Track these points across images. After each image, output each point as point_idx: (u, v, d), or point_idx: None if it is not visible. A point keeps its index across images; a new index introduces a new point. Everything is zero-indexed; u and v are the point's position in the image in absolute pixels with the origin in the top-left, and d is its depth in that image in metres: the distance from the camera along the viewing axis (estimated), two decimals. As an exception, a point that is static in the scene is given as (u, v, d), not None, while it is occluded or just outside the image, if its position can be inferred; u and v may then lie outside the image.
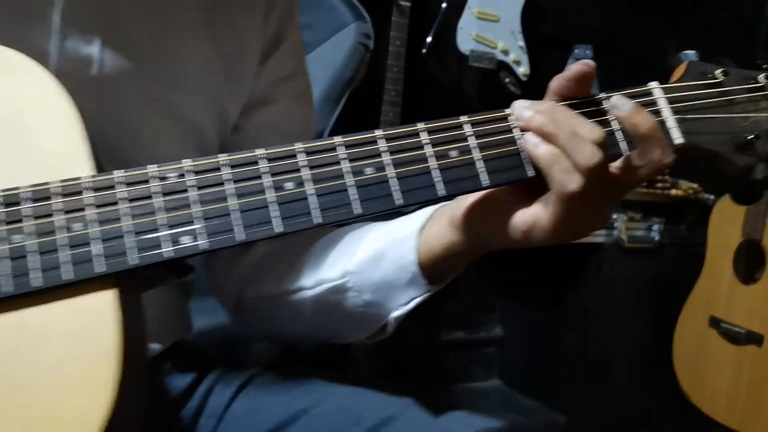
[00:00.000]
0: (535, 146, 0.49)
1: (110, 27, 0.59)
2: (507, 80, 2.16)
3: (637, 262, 2.01)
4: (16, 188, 0.44)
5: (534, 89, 2.15)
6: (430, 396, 0.66)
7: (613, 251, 2.01)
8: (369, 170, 0.48)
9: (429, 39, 1.99)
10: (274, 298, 0.69)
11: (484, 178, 0.49)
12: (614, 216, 2.01)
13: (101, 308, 0.43)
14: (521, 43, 2.12)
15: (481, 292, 2.26)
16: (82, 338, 0.42)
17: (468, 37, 2.06)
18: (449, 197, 0.49)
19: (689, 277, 1.80)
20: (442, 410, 0.64)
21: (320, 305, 0.66)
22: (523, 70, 2.14)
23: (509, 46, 2.11)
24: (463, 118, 0.50)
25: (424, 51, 1.98)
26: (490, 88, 2.17)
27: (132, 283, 0.46)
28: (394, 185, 0.48)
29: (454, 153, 0.49)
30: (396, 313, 0.62)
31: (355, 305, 0.64)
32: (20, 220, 0.44)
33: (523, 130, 0.50)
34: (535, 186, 0.50)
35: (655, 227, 2.04)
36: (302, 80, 0.77)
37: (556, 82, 0.53)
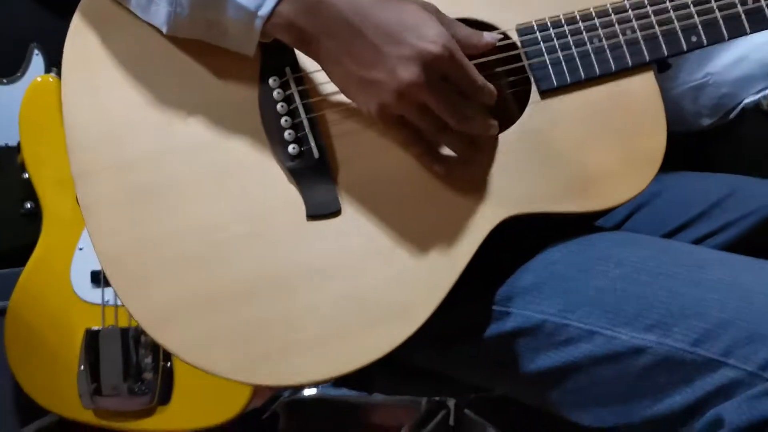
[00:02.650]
0: None
1: None
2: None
3: (774, 122, 2.19)
4: (589, 8, 0.69)
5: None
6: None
7: (752, 115, 2.20)
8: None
9: None
10: None
11: None
12: (757, 80, 2.18)
13: (649, 82, 0.69)
14: None
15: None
16: (646, 99, 0.68)
17: None
18: None
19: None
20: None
21: (679, 100, 0.92)
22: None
23: None
24: None
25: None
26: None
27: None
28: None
29: None
30: (748, 99, 0.87)
31: (710, 98, 0.90)
32: (595, 28, 0.69)
33: None
34: None
35: (792, 90, 2.21)
36: None
37: None
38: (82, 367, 1.39)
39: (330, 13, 0.60)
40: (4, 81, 1.49)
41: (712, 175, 0.95)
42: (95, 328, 1.42)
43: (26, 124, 1.42)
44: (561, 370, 0.65)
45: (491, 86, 0.62)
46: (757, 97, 0.88)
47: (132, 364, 1.42)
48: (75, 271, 1.43)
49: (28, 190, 1.44)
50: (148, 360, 1.42)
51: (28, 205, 1.49)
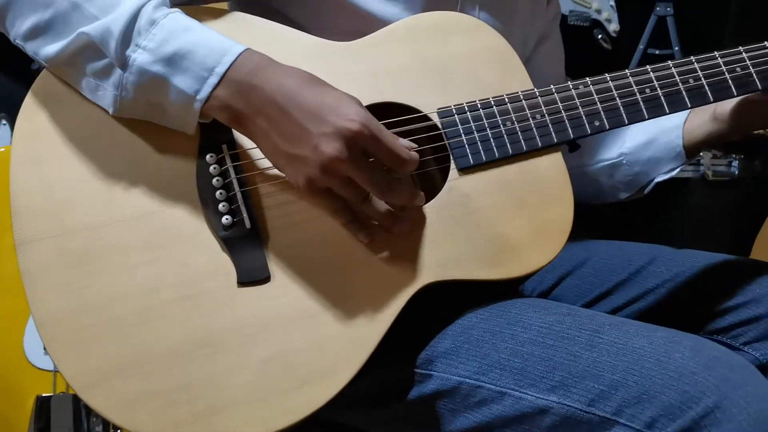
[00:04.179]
0: None
1: None
2: (599, 36, 2.45)
3: (718, 193, 2.31)
4: (502, 95, 0.76)
5: (621, 43, 2.43)
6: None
7: (698, 184, 2.31)
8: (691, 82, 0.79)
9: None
10: None
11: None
12: (701, 153, 2.31)
13: (557, 161, 0.76)
14: (612, 2, 2.41)
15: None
16: (554, 176, 0.74)
17: (567, -1, 2.37)
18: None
19: (764, 207, 2.11)
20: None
21: (596, 176, 1.00)
22: (613, 27, 2.42)
23: (601, 5, 2.40)
24: (742, 48, 0.80)
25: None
26: (583, 44, 2.46)
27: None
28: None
29: (738, 69, 0.79)
30: (659, 178, 0.96)
31: (625, 175, 0.98)
32: (508, 113, 0.75)
33: None
34: None
35: (735, 163, 2.33)
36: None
37: None
38: (32, 434, 1.39)
39: (261, 95, 0.66)
40: (-29, 150, 1.53)
41: (635, 244, 1.02)
42: (46, 394, 1.42)
43: (-10, 192, 1.46)
44: (477, 430, 0.68)
45: (414, 155, 0.68)
46: (665, 177, 0.96)
47: (83, 431, 1.41)
48: (28, 338, 1.44)
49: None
50: (99, 428, 1.41)
51: (-15, 272, 1.51)
